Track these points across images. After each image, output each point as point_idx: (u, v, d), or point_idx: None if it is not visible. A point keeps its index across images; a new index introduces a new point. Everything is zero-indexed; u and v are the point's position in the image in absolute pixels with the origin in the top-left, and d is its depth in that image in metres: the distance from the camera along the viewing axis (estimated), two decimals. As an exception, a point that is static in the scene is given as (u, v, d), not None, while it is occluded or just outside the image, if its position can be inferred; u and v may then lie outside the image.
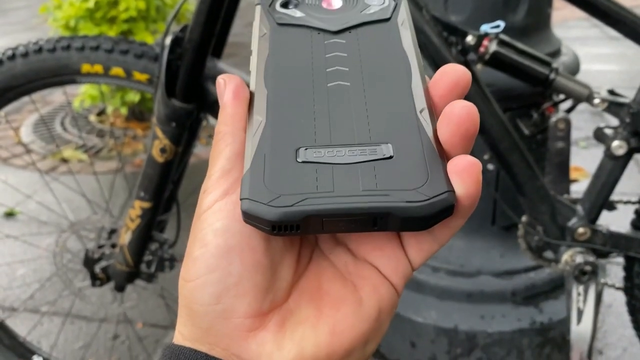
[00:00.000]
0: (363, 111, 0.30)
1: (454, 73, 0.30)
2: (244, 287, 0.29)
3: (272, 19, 0.35)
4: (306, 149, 0.28)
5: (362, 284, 0.30)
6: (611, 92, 0.93)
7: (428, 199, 0.26)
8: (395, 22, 0.34)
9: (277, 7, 0.36)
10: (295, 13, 0.35)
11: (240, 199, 0.27)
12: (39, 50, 0.94)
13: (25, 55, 0.95)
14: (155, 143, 0.91)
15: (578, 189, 1.77)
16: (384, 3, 0.35)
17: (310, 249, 0.32)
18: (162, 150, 0.91)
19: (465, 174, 0.27)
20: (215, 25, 0.87)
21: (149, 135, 0.95)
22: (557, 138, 0.99)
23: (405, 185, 0.26)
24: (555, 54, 1.17)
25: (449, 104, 0.28)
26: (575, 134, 2.34)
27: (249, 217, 0.27)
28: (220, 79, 0.33)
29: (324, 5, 0.36)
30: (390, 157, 0.27)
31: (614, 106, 0.91)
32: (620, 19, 0.89)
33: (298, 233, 0.27)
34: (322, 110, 0.30)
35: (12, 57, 0.96)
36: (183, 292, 0.30)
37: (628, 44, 0.96)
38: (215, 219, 0.29)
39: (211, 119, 1.00)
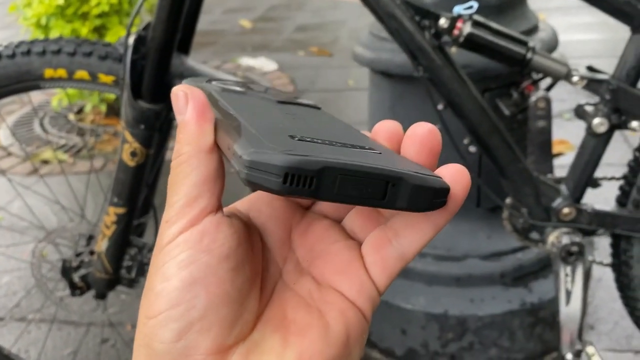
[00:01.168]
0: (336, 132, 0.30)
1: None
2: (209, 321, 0.27)
3: (213, 86, 0.35)
4: (300, 136, 0.27)
5: (328, 308, 0.29)
6: (590, 68, 0.91)
7: (433, 176, 0.27)
8: (326, 112, 0.36)
9: (213, 82, 0.36)
10: (234, 87, 0.36)
11: (240, 155, 0.24)
12: (-2, 57, 0.91)
13: (-17, 63, 0.91)
14: (125, 147, 0.89)
15: (564, 162, 1.75)
16: (309, 101, 0.37)
17: (273, 281, 0.31)
18: (133, 154, 0.89)
19: (458, 176, 0.28)
20: (179, 21, 0.84)
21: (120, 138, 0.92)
22: (538, 117, 0.97)
23: (407, 168, 0.27)
24: (533, 30, 1.15)
25: (410, 127, 0.29)
26: (559, 106, 2.33)
27: (256, 166, 0.24)
28: (178, 91, 0.29)
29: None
30: (380, 153, 0.28)
31: (593, 83, 0.89)
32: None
33: (309, 192, 0.24)
34: (298, 124, 0.30)
35: (-29, 66, 0.93)
36: (144, 331, 0.28)
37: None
38: (179, 251, 0.27)
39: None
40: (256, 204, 0.32)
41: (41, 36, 2.37)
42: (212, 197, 0.28)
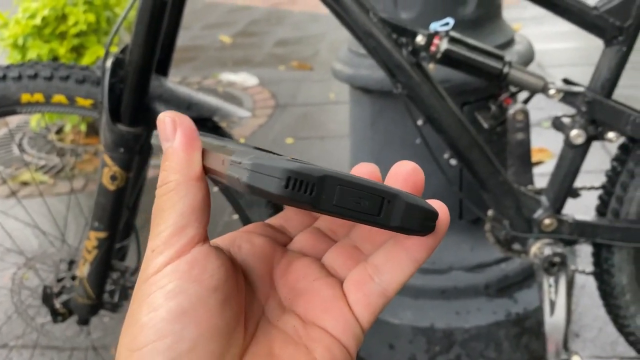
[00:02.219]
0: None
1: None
2: (198, 355, 0.26)
3: None
4: (292, 158, 0.27)
5: (314, 345, 0.29)
6: (566, 80, 0.93)
7: (423, 199, 0.28)
8: None
9: None
10: (212, 136, 0.37)
11: (240, 161, 0.25)
12: (-27, 83, 0.90)
13: (-41, 89, 0.90)
14: (105, 171, 0.88)
15: (544, 170, 1.77)
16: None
17: (256, 319, 0.31)
18: (113, 178, 0.88)
19: (442, 209, 0.28)
20: (156, 44, 0.84)
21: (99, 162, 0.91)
22: (516, 130, 0.98)
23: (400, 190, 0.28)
24: (509, 43, 1.16)
25: (393, 165, 0.29)
26: (537, 114, 2.36)
27: (259, 169, 0.24)
28: (166, 117, 0.29)
29: None
30: (370, 179, 0.29)
31: (569, 96, 0.90)
32: (568, 8, 0.88)
33: (309, 199, 0.25)
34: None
35: (-54, 92, 0.91)
36: None
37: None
38: (167, 281, 0.27)
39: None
40: (236, 241, 0.32)
41: (19, 56, 2.34)
42: (200, 227, 0.28)
